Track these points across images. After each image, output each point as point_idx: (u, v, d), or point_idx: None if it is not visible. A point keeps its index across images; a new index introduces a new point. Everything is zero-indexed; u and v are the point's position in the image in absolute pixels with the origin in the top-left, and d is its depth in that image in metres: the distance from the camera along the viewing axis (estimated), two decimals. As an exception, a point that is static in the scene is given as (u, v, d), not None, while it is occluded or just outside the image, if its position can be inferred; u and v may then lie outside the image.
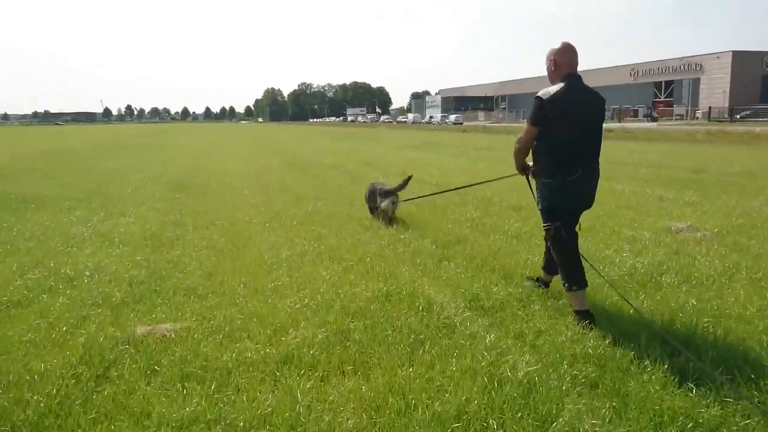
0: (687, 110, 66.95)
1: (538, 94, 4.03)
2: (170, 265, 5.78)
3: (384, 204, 7.68)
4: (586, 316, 4.03)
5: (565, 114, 3.96)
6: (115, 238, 6.96)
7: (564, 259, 4.18)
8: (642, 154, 19.91)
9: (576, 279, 4.10)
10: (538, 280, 4.87)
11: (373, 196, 8.01)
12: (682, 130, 38.66)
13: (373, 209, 8.06)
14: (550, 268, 4.65)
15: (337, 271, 5.41)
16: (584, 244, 5.19)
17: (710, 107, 62.47)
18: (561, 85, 4.01)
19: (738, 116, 57.29)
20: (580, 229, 4.29)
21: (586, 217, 4.59)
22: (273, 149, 26.23)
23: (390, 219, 7.71)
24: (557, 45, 4.16)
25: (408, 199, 8.15)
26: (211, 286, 5.06)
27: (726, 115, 59.40)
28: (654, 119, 65.82)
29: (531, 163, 4.38)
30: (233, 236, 7.13)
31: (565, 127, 3.99)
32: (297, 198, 10.17)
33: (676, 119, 62.60)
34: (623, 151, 20.61)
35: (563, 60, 4.10)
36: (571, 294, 4.12)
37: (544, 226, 4.26)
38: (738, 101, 63.90)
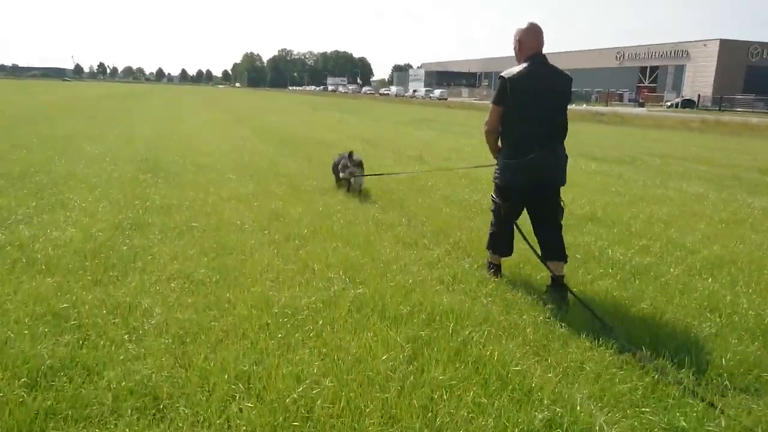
0: (680, 98, 65.75)
1: (502, 73, 4.04)
2: (111, 322, 3.43)
3: (343, 174, 7.65)
4: (492, 267, 4.48)
5: (527, 93, 3.96)
6: (37, 256, 4.53)
7: (495, 229, 4.40)
8: (666, 144, 17.87)
9: (494, 245, 4.45)
10: (553, 282, 4.17)
11: (336, 167, 7.93)
12: (676, 118, 37.63)
13: (339, 181, 7.99)
14: (546, 254, 4.22)
15: (403, 361, 3.12)
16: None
17: (699, 95, 61.33)
18: (525, 64, 4.00)
19: (722, 106, 56.52)
20: (565, 206, 4.26)
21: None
22: (256, 120, 22.95)
23: (355, 190, 7.58)
24: (523, 25, 4.10)
25: (373, 174, 7.93)
26: (183, 395, 2.72)
27: (709, 104, 58.67)
28: (641, 104, 64.35)
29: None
30: (219, 255, 4.80)
31: (527, 106, 3.98)
32: (295, 189, 7.80)
33: (666, 106, 61.27)
34: (647, 140, 18.67)
35: (528, 40, 4.06)
36: (488, 252, 4.53)
37: (492, 196, 4.37)
38: (722, 90, 63.21)
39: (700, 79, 70.06)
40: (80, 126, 16.42)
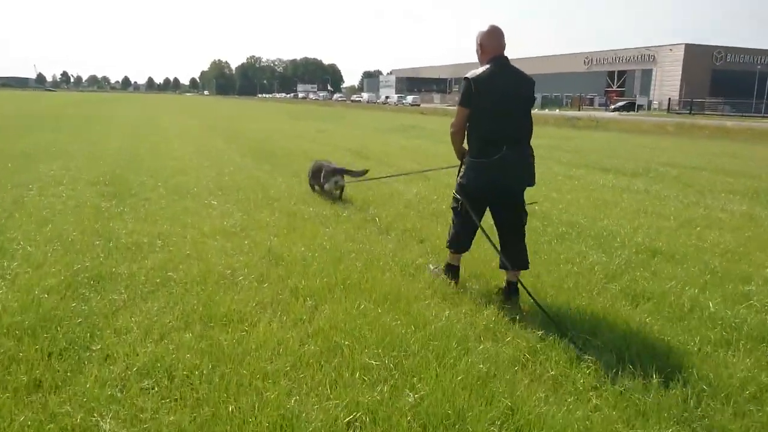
0: (650, 102, 66.45)
1: (466, 75, 4.00)
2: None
3: (327, 186, 7.48)
4: (451, 269, 4.42)
5: (492, 93, 3.93)
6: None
7: (456, 227, 4.34)
8: (662, 151, 17.03)
9: (452, 243, 4.40)
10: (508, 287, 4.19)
11: (317, 174, 7.72)
12: (650, 122, 37.46)
13: (314, 186, 7.91)
14: (511, 263, 4.12)
15: None
16: None
17: (670, 99, 61.80)
18: (488, 66, 4.00)
19: (692, 110, 57.16)
20: (536, 204, 4.83)
21: None
22: (229, 130, 21.29)
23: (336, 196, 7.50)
24: (484, 28, 4.07)
25: (356, 179, 7.67)
26: None
27: (677, 108, 59.28)
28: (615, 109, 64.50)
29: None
30: (208, 326, 3.50)
31: (490, 107, 3.95)
32: (290, 217, 6.51)
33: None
34: (640, 147, 17.83)
35: (489, 43, 4.05)
36: (449, 251, 4.45)
37: (454, 194, 4.28)
38: (688, 94, 63.88)
39: (667, 83, 70.75)
40: (41, 140, 14.63)
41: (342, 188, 7.55)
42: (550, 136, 23.31)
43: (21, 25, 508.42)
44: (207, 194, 7.79)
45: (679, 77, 70.16)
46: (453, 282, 4.33)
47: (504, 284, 4.21)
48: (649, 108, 65.55)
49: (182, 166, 10.44)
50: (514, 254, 4.12)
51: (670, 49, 72.21)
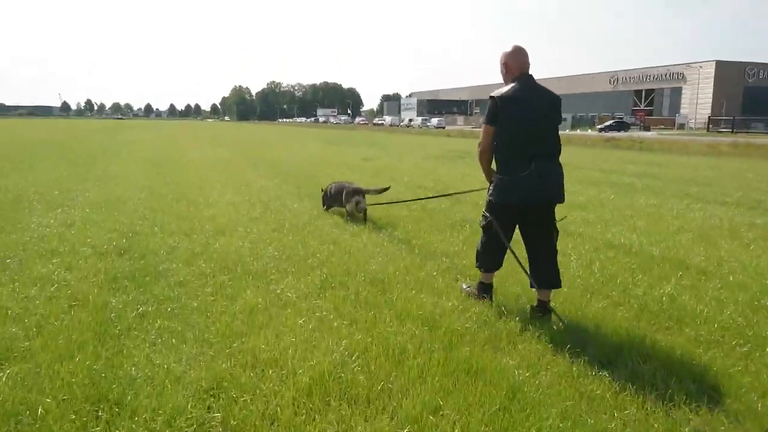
0: (690, 120, 63.36)
1: (492, 93, 3.96)
2: None
3: (349, 207, 7.26)
4: (484, 288, 4.27)
5: (518, 111, 3.88)
6: None
7: (484, 246, 4.20)
8: (736, 174, 13.99)
9: (483, 262, 4.23)
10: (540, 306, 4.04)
11: (338, 196, 7.49)
12: (701, 142, 34.52)
13: (331, 207, 7.77)
14: (540, 281, 4.00)
15: None
16: None
17: (710, 117, 58.64)
18: (513, 84, 3.95)
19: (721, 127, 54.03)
20: (559, 220, 4.12)
21: None
22: (265, 160, 17.92)
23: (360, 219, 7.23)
24: (508, 48, 4.06)
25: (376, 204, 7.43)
26: None
27: (707, 126, 56.18)
28: (646, 128, 61.35)
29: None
30: None
31: (518, 124, 3.87)
32: (449, 334, 3.66)
33: (678, 130, 58.44)
34: (710, 169, 14.90)
35: (514, 62, 4.02)
36: (480, 272, 4.31)
37: (482, 215, 4.17)
38: (722, 112, 60.90)
39: (698, 101, 67.77)
40: (44, 177, 11.87)
41: (365, 210, 7.26)
42: (621, 160, 20.50)
43: (47, 55, 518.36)
44: (273, 272, 4.95)
45: (711, 95, 67.30)
46: (488, 299, 4.22)
47: (535, 303, 4.05)
48: (682, 128, 62.45)
49: (224, 218, 7.52)
50: (543, 271, 3.99)
51: (701, 67, 69.33)
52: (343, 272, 4.96)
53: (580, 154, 23.98)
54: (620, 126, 57.13)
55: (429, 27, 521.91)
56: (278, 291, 4.44)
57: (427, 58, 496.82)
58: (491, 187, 4.07)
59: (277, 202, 8.96)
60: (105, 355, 3.26)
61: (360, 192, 7.24)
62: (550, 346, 3.54)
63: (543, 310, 3.97)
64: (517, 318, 3.94)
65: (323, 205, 7.97)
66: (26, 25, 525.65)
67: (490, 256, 4.18)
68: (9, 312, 3.85)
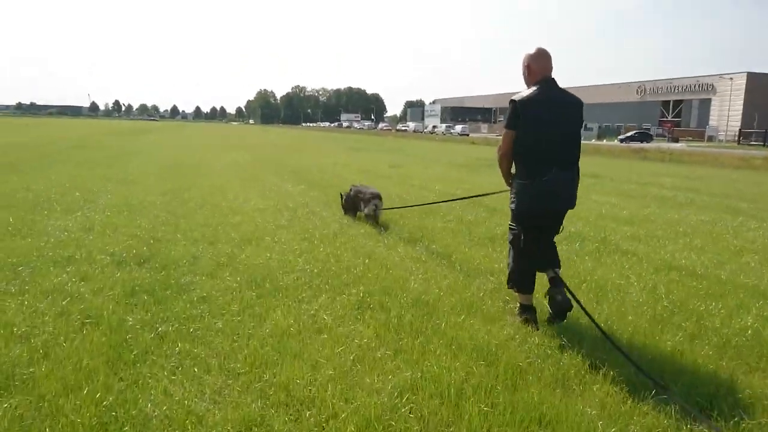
0: (720, 132, 61.66)
1: (513, 97, 3.85)
2: None
3: (367, 210, 7.36)
4: (526, 309, 3.98)
5: (539, 115, 3.78)
6: None
7: (517, 263, 4.00)
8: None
9: (516, 282, 4.01)
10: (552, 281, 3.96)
11: (356, 200, 7.64)
12: (730, 155, 33.32)
13: (349, 210, 7.87)
14: (545, 265, 3.98)
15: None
16: None
17: (740, 129, 57.05)
18: (535, 88, 3.85)
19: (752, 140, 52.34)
20: (562, 230, 4.08)
21: None
22: (291, 165, 16.99)
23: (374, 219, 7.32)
24: (531, 51, 3.95)
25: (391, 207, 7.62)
26: None
27: (738, 139, 54.51)
28: (675, 140, 59.91)
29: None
30: None
31: (538, 128, 3.77)
32: (510, 368, 3.17)
33: (708, 142, 56.91)
34: (752, 184, 14.10)
35: (537, 65, 3.91)
36: (516, 294, 4.10)
37: (510, 225, 4.06)
38: (752, 125, 59.18)
39: (728, 113, 66.07)
40: (64, 177, 11.66)
41: (380, 212, 7.44)
42: (654, 172, 19.72)
43: (77, 57, 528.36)
44: (305, 289, 4.49)
45: (741, 107, 65.55)
46: (533, 326, 3.84)
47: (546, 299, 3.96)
48: (712, 140, 60.89)
49: (250, 225, 7.10)
50: (549, 258, 3.99)
51: (731, 78, 67.59)
52: (382, 291, 4.47)
53: (609, 165, 23.23)
54: (642, 137, 55.72)
55: (429, 27, 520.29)
56: (311, 312, 3.98)
57: (427, 58, 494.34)
58: (513, 195, 3.95)
59: (305, 209, 8.52)
60: (117, 387, 2.82)
61: (378, 196, 7.41)
62: (626, 388, 3.03)
63: (557, 283, 3.86)
64: (583, 350, 3.44)
65: (343, 209, 8.08)
66: (26, 25, 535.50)
67: (525, 276, 3.97)
68: (15, 330, 3.45)
